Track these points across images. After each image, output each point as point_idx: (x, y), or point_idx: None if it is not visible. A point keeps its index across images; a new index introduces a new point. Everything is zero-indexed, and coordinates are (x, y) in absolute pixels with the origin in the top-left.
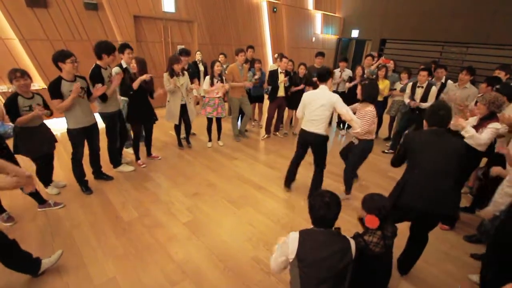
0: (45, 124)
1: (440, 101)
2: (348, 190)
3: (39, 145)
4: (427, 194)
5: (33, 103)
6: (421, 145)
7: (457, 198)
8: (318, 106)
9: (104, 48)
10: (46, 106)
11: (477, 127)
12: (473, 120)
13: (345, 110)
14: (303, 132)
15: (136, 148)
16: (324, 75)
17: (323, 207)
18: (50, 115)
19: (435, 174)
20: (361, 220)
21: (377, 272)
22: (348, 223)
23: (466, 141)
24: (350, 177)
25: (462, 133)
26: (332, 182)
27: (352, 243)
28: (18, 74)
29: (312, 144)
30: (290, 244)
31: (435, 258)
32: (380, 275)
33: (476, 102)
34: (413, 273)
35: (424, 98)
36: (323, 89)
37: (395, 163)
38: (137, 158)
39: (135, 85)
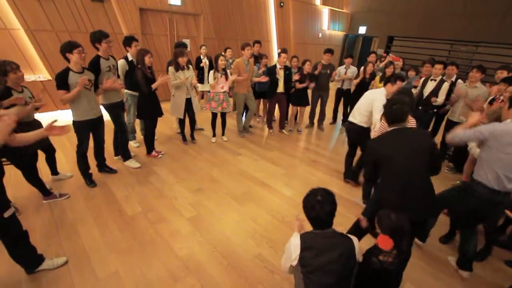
0: (36, 119)
1: (395, 95)
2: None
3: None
4: (409, 203)
5: (25, 96)
6: (387, 152)
7: (435, 197)
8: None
9: (94, 38)
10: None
11: None
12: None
13: (376, 114)
14: None
15: (151, 141)
16: (386, 79)
17: (315, 206)
18: (40, 107)
19: (411, 179)
20: (372, 233)
21: (390, 285)
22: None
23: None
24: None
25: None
26: (331, 177)
27: (356, 242)
28: (15, 66)
29: (350, 131)
30: (292, 250)
31: (441, 264)
32: (393, 285)
33: (491, 103)
34: (419, 277)
35: (434, 92)
36: (379, 90)
37: (369, 179)
38: (150, 151)
39: (154, 86)
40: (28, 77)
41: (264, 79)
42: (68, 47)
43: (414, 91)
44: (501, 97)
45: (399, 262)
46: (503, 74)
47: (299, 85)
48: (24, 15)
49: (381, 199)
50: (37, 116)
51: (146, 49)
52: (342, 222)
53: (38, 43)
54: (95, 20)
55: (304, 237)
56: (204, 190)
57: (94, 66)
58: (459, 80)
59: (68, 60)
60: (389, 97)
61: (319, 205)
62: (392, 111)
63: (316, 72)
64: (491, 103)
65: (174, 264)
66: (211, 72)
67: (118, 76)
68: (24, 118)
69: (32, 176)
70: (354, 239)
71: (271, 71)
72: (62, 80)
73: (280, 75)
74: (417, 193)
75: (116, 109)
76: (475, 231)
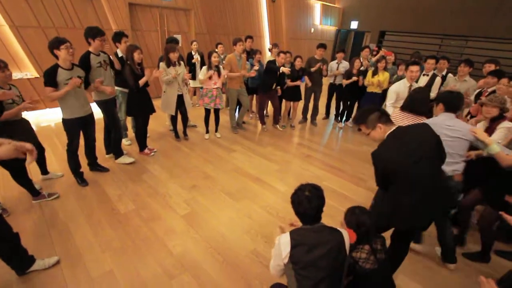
0: (24, 118)
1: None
2: None
3: (23, 139)
4: (428, 211)
5: (13, 95)
6: (396, 159)
7: (449, 188)
8: None
9: (89, 33)
10: (22, 98)
11: (488, 130)
12: (482, 125)
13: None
14: None
15: (143, 139)
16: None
17: (303, 202)
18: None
19: (429, 183)
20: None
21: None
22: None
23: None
24: None
25: (489, 151)
26: (324, 172)
27: (345, 234)
28: (2, 64)
29: None
30: (282, 248)
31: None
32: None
33: (477, 96)
34: (412, 269)
35: (428, 87)
36: (401, 81)
37: (382, 187)
38: (142, 149)
39: (142, 83)
40: (15, 74)
41: (253, 74)
42: (55, 44)
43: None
44: (489, 90)
45: (376, 261)
46: (491, 67)
47: (290, 83)
48: (9, 11)
49: (394, 211)
50: (25, 114)
51: (135, 45)
52: (335, 215)
53: (24, 40)
54: (83, 15)
55: (293, 234)
56: (198, 187)
57: (84, 62)
58: (450, 74)
59: (56, 57)
60: (410, 82)
61: (306, 200)
62: (371, 114)
63: (313, 70)
64: (478, 96)
65: (169, 261)
66: (204, 68)
67: (113, 69)
68: (13, 117)
69: (20, 177)
70: (344, 232)
71: (272, 67)
72: (50, 77)
73: (285, 70)
74: (436, 194)
75: (109, 106)
76: (446, 220)
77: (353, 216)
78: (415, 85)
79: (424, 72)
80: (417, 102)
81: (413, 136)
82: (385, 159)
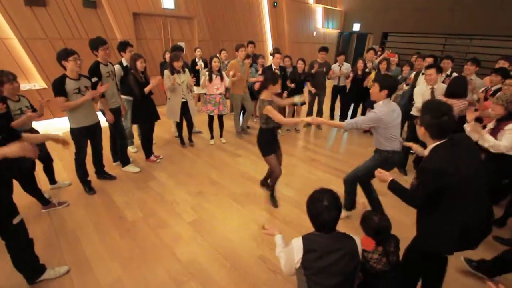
0: (33, 128)
1: (435, 102)
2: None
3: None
4: (475, 233)
5: (21, 106)
6: (458, 172)
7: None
8: None
9: (92, 44)
10: (33, 108)
11: (495, 130)
12: (491, 124)
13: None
14: None
15: (149, 146)
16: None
17: (323, 213)
18: (40, 116)
19: (480, 200)
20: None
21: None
22: (348, 219)
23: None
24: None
25: (480, 142)
26: (330, 176)
27: (358, 241)
28: (11, 77)
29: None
30: (295, 253)
31: None
32: None
33: (485, 93)
34: None
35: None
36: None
37: (421, 204)
38: (148, 156)
39: (147, 90)
40: (23, 86)
41: (261, 78)
42: (63, 55)
43: (406, 87)
44: (493, 88)
45: (388, 263)
46: (505, 65)
47: (290, 84)
48: (17, 24)
49: (434, 236)
50: (34, 124)
51: (138, 53)
52: (340, 220)
53: (32, 52)
54: (88, 26)
55: (306, 239)
56: (205, 193)
57: (95, 72)
58: (454, 74)
59: (64, 68)
60: (430, 83)
61: (327, 212)
62: (444, 122)
63: (314, 71)
64: (486, 93)
65: (176, 268)
66: (203, 71)
67: (120, 82)
68: (22, 127)
69: (30, 186)
70: (357, 238)
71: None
72: (59, 87)
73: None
74: (484, 211)
75: (115, 114)
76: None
77: (372, 222)
78: (441, 86)
79: (423, 71)
80: (454, 88)
81: (468, 145)
82: (442, 168)
